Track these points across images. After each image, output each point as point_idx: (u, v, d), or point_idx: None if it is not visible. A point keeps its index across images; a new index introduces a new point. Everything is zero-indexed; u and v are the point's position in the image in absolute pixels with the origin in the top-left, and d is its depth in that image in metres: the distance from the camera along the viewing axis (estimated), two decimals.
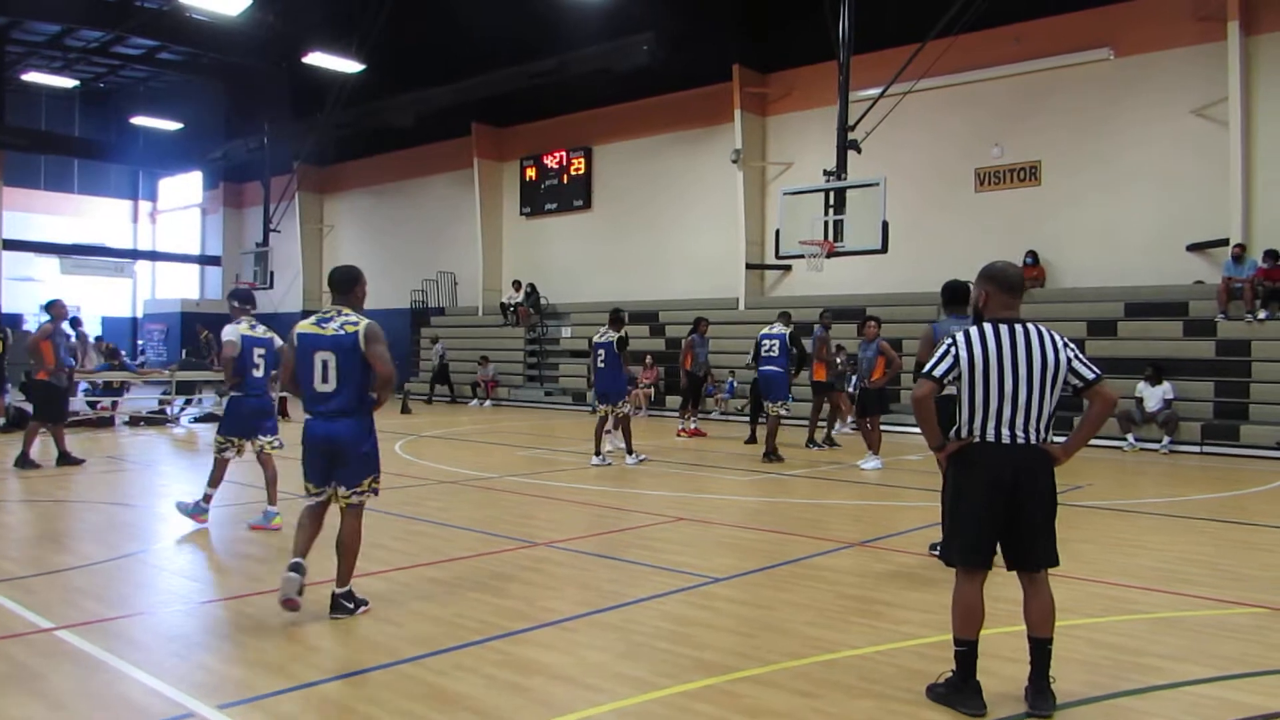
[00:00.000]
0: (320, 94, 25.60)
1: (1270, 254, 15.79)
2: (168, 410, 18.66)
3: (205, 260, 38.64)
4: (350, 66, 22.95)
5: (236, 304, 8.23)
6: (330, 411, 5.58)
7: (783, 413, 13.11)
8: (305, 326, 5.65)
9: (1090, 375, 4.19)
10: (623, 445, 13.09)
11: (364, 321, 5.64)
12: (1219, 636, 5.28)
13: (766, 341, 13.54)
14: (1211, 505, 10.20)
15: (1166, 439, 15.18)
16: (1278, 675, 4.61)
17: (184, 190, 39.95)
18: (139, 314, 39.91)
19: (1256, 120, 16.69)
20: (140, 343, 37.97)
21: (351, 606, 5.54)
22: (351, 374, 5.58)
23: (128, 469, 12.53)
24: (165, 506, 9.80)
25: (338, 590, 5.56)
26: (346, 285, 5.75)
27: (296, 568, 5.37)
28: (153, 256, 40.09)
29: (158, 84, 35.23)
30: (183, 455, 14.39)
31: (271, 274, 29.35)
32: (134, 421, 18.39)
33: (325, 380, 5.56)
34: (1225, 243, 16.62)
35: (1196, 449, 15.14)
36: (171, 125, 31.39)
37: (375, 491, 5.84)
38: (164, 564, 7.05)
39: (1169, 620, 5.59)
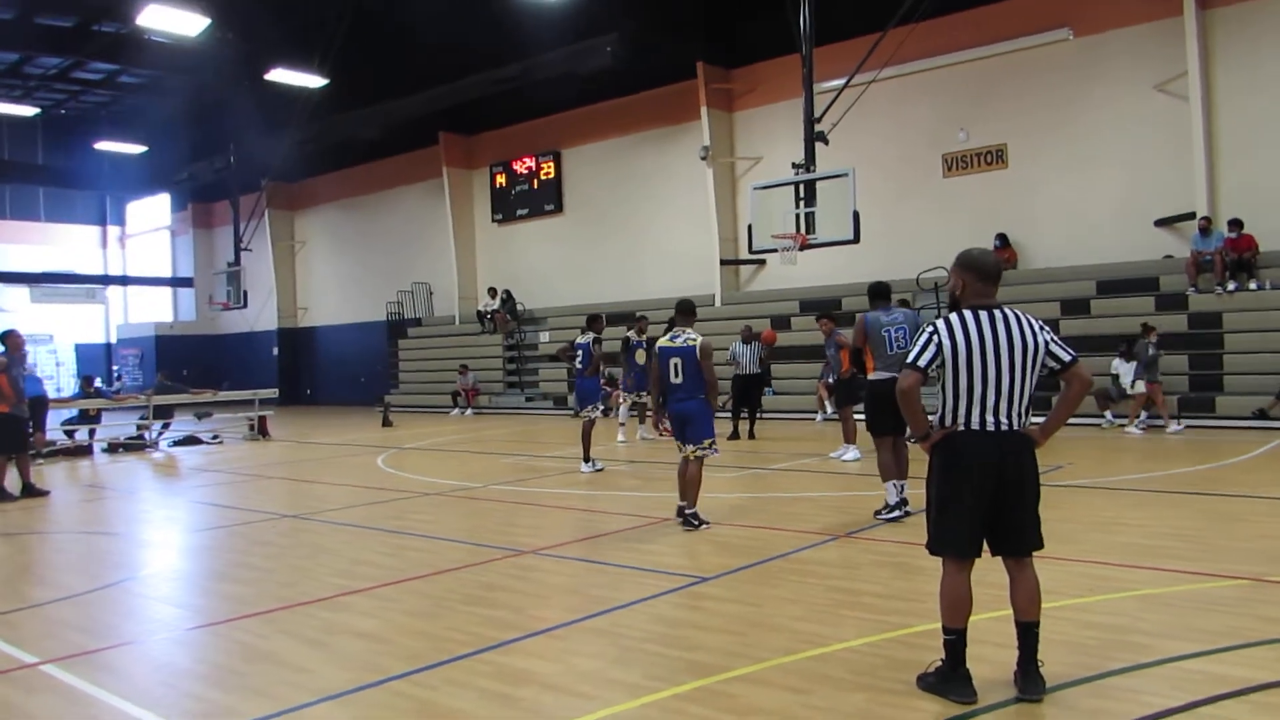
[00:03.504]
0: (285, 110, 25.45)
1: (1234, 223, 15.95)
2: (145, 435, 18.49)
3: (177, 282, 38.36)
4: (313, 81, 22.83)
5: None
6: (680, 398, 8.18)
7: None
8: (663, 342, 8.36)
9: (1067, 357, 4.23)
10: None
11: (700, 338, 8.17)
12: (1204, 610, 5.33)
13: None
14: (1190, 479, 10.28)
15: (1144, 414, 15.31)
16: (1264, 647, 4.66)
17: (152, 213, 39.66)
18: (113, 339, 39.57)
19: (1216, 93, 16.86)
20: (115, 368, 37.65)
21: (696, 523, 8.08)
22: (693, 373, 8.11)
23: (108, 497, 12.41)
24: (147, 533, 9.74)
25: (687, 510, 8.18)
26: (688, 311, 8.43)
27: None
28: (124, 281, 39.75)
29: (120, 108, 34.91)
30: (163, 480, 14.27)
31: (245, 293, 29.15)
32: (113, 448, 18.22)
33: (676, 376, 8.16)
34: (1192, 216, 16.79)
35: (1175, 424, 15.26)
36: (136, 148, 31.17)
37: (714, 450, 8.28)
38: (148, 592, 6.98)
39: (1153, 596, 5.64)
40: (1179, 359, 15.99)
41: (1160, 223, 17.51)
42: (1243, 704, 3.98)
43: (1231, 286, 15.95)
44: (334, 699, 4.42)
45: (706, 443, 8.21)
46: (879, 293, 8.81)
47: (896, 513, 8.11)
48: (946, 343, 4.20)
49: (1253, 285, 15.94)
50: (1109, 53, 17.94)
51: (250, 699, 4.48)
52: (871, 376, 8.43)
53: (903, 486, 8.21)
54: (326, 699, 4.42)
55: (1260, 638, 4.78)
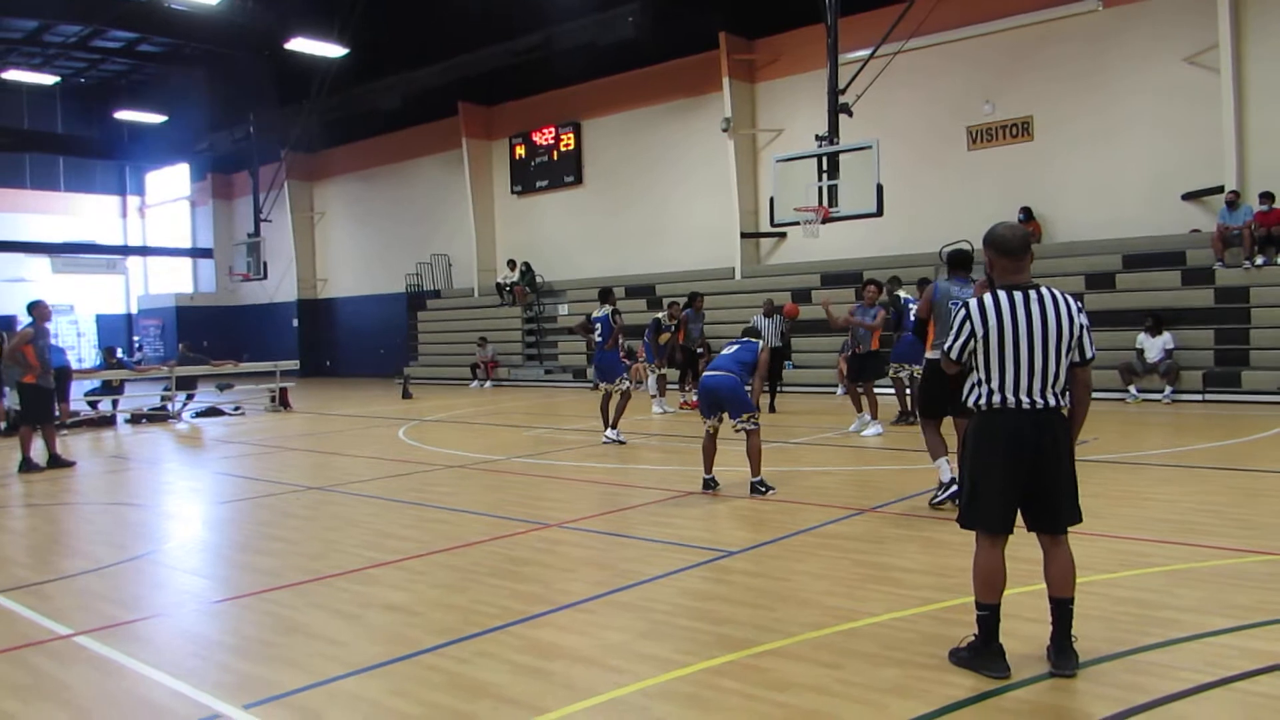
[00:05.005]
0: (304, 80, 25.43)
1: (1266, 196, 15.73)
2: (169, 407, 18.63)
3: (197, 253, 38.49)
4: (333, 51, 22.78)
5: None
6: (717, 372, 8.58)
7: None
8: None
9: (1089, 354, 4.21)
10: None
11: (766, 347, 8.83)
12: (1235, 586, 5.29)
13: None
14: (1217, 453, 10.21)
15: (1169, 389, 15.20)
16: None
17: (172, 183, 39.75)
18: (133, 310, 39.81)
19: (1247, 66, 16.57)
20: (136, 339, 37.89)
21: (764, 489, 8.31)
22: (747, 362, 8.63)
23: (132, 468, 12.52)
24: (173, 504, 9.83)
25: (753, 479, 8.40)
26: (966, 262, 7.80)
27: None
28: (143, 252, 39.96)
29: (140, 77, 34.97)
30: (187, 451, 14.38)
31: (265, 264, 29.22)
32: (135, 419, 18.38)
33: (730, 348, 8.85)
34: (1220, 190, 16.57)
35: (1199, 398, 15.16)
36: (156, 118, 31.21)
37: (757, 423, 8.43)
38: (176, 564, 7.04)
39: (1185, 572, 5.60)
40: (1204, 334, 15.84)
41: (1187, 196, 17.28)
42: (1277, 679, 3.96)
43: (1260, 261, 15.75)
44: (367, 671, 4.45)
45: (746, 416, 8.31)
46: (958, 261, 7.81)
47: (953, 489, 7.30)
48: (979, 326, 4.17)
49: None
50: (1138, 24, 17.64)
51: (283, 670, 4.51)
52: (929, 354, 7.70)
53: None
54: (359, 671, 4.45)
55: None
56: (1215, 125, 16.70)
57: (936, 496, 7.59)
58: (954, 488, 7.25)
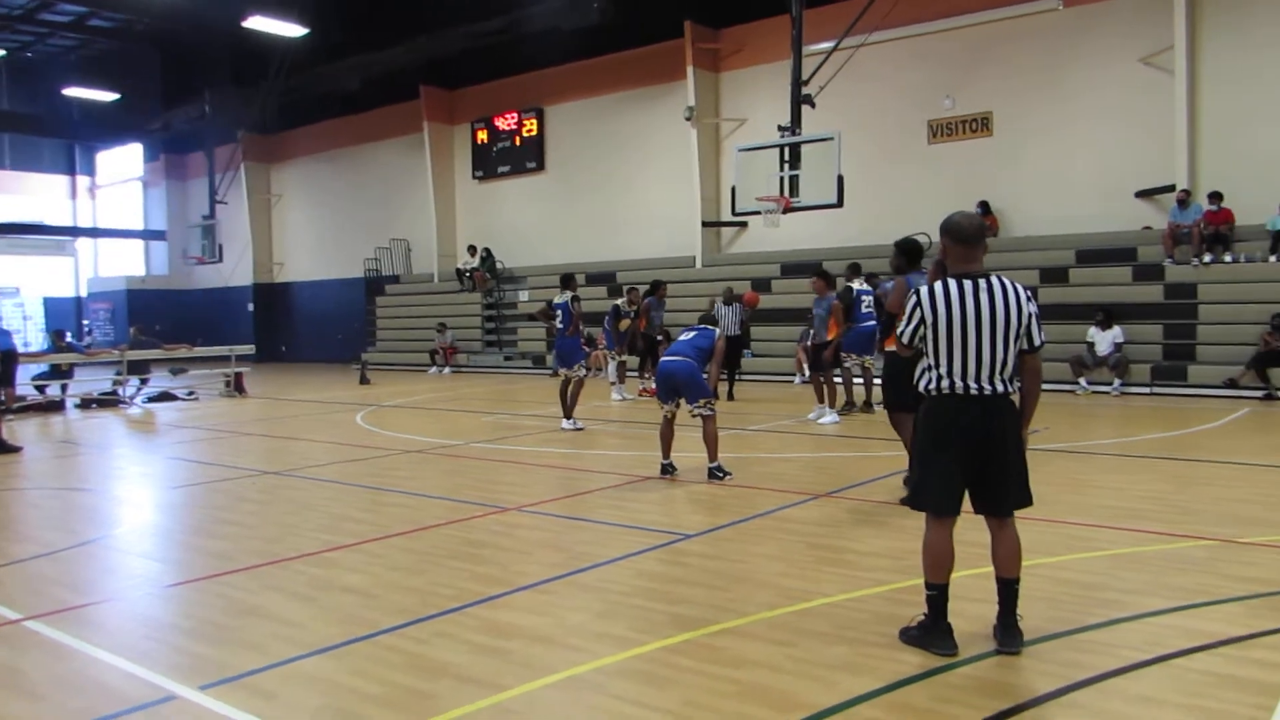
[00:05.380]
0: (262, 59, 25.06)
1: (1215, 196, 16.09)
2: (120, 392, 18.34)
3: (149, 235, 37.77)
4: (292, 30, 22.46)
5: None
6: (673, 358, 8.67)
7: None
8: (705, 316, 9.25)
9: (1037, 342, 4.29)
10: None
11: (719, 334, 8.84)
12: (1175, 569, 5.46)
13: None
14: (1162, 444, 10.47)
15: (1117, 381, 15.52)
16: (1233, 603, 4.79)
17: (123, 163, 38.95)
18: (83, 293, 39.05)
19: (1201, 68, 16.91)
20: (86, 323, 37.19)
21: (721, 475, 8.39)
22: (704, 348, 8.68)
23: (82, 453, 12.33)
24: (124, 489, 9.72)
25: (711, 464, 8.48)
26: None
27: None
28: (94, 233, 39.12)
29: (90, 53, 34.14)
30: (139, 436, 14.20)
31: (220, 247, 28.83)
32: (85, 404, 18.08)
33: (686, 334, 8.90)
34: (1171, 189, 16.91)
35: (1147, 390, 15.50)
36: (107, 96, 30.50)
37: (713, 409, 8.52)
38: (129, 548, 6.98)
39: (1127, 556, 5.76)
40: (1153, 329, 16.19)
41: (1140, 194, 17.62)
42: (1213, 656, 4.11)
43: (1208, 258, 16.12)
44: (324, 652, 4.46)
45: (702, 401, 8.38)
46: (915, 252, 7.53)
47: None
48: (929, 313, 4.25)
49: (1228, 258, 16.11)
50: (1097, 24, 17.93)
51: (240, 653, 4.51)
52: (891, 348, 7.32)
53: None
54: (317, 652, 4.46)
55: (1230, 595, 4.92)
56: (1169, 125, 17.03)
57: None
58: None
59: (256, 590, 5.54)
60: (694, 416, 8.50)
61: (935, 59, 19.68)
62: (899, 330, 4.39)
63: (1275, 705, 3.60)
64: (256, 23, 21.93)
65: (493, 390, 19.59)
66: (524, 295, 25.90)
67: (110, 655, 4.54)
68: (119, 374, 18.54)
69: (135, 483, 10.10)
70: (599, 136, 25.28)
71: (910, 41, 19.60)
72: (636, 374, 17.41)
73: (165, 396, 18.96)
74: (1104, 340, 15.75)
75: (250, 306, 34.26)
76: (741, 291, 16.95)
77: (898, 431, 7.52)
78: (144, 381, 19.06)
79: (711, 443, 8.52)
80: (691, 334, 8.82)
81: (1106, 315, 15.83)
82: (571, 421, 12.33)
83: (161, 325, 28.29)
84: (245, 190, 33.29)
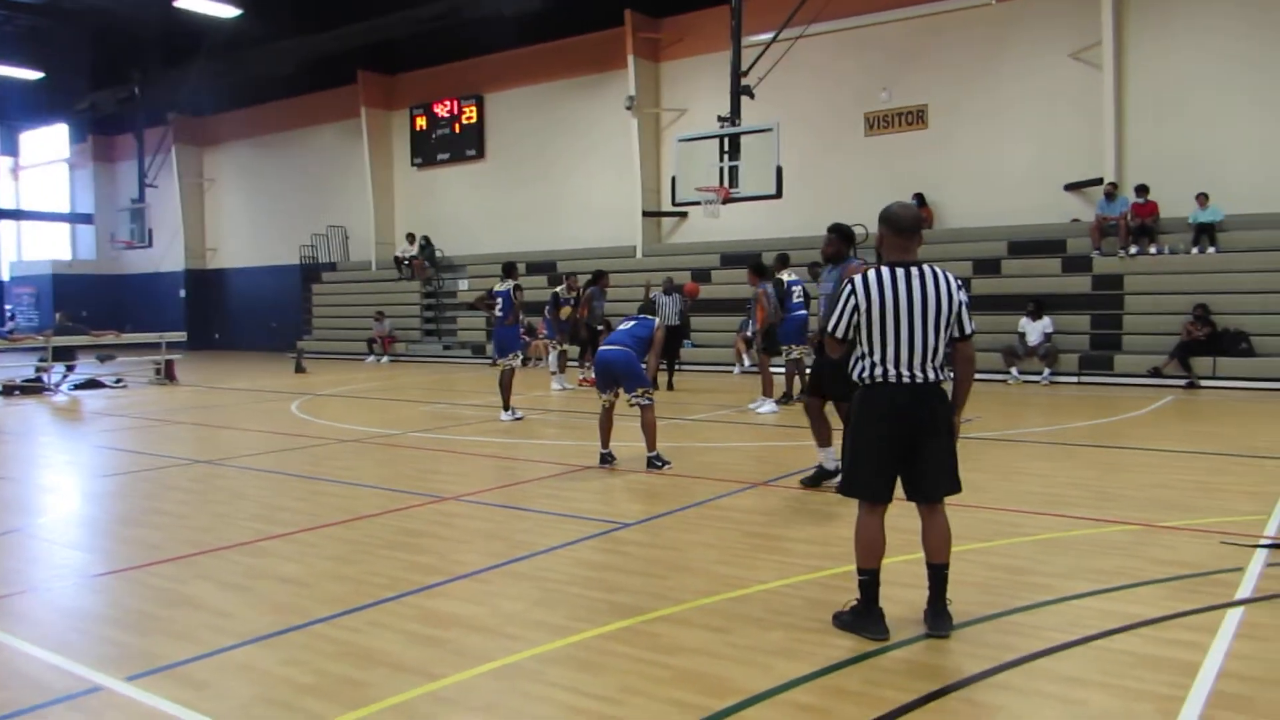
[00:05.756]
0: (195, 40, 24.44)
1: (1141, 189, 16.55)
2: (44, 378, 17.83)
3: (76, 218, 36.76)
4: (225, 11, 21.95)
5: None
6: (613, 346, 8.67)
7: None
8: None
9: (968, 330, 4.37)
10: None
11: (661, 325, 8.94)
12: (1098, 553, 5.62)
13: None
14: (1089, 432, 10.75)
15: (1047, 371, 15.90)
16: (1153, 585, 4.95)
17: (49, 144, 37.79)
18: (5, 277, 37.82)
19: (1127, 63, 17.36)
20: (8, 308, 36.07)
21: (660, 464, 8.48)
22: (643, 337, 8.73)
23: (4, 441, 11.97)
24: (49, 478, 9.46)
25: (649, 454, 8.55)
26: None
27: None
28: (17, 215, 37.92)
29: (12, 29, 32.90)
30: (65, 424, 13.83)
31: (150, 232, 28.13)
32: (8, 390, 17.54)
33: (626, 324, 8.99)
34: (1099, 182, 17.34)
35: (1075, 379, 15.90)
36: (31, 74, 29.47)
37: (650, 399, 8.54)
38: (54, 538, 6.80)
39: (1053, 540, 5.92)
40: (1081, 319, 16.61)
41: (1069, 187, 18.05)
42: (1133, 637, 4.24)
43: (1133, 250, 16.57)
44: (257, 642, 4.40)
45: (640, 391, 8.40)
46: (853, 237, 8.11)
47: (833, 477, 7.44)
48: (863, 301, 4.30)
49: (1153, 250, 16.58)
50: (1028, 19, 18.29)
51: (170, 643, 4.43)
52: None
53: None
54: (249, 642, 4.40)
55: (1149, 577, 5.08)
56: (1097, 119, 17.46)
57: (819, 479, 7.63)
58: (834, 479, 7.32)
59: (187, 580, 5.44)
60: (632, 406, 8.53)
61: (872, 52, 19.91)
62: (830, 324, 4.42)
63: (1192, 684, 3.73)
64: (188, 2, 21.39)
65: (432, 380, 19.43)
66: (464, 284, 25.70)
67: (33, 647, 4.43)
68: (43, 360, 18.02)
69: (60, 471, 9.83)
70: (540, 125, 25.15)
71: (848, 34, 19.81)
72: (577, 363, 17.39)
73: (92, 384, 18.49)
74: (1034, 330, 16.12)
75: (182, 293, 33.54)
76: (682, 282, 17.00)
77: (810, 418, 7.55)
78: (70, 368, 18.57)
79: (650, 432, 8.55)
80: (631, 323, 8.84)
81: (1037, 306, 16.19)
82: (510, 412, 12.27)
83: (89, 310, 27.51)
84: (176, 174, 32.54)
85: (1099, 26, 17.26)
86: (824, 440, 7.56)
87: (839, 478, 7.14)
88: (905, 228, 4.39)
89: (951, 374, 4.44)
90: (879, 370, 4.31)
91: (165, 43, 26.30)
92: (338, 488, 8.20)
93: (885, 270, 4.33)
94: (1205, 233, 16.10)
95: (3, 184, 39.01)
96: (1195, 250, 16.18)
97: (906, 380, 4.28)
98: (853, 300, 4.33)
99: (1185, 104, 16.89)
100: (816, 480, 7.61)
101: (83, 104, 30.92)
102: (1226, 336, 15.06)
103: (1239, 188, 16.27)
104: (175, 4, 21.50)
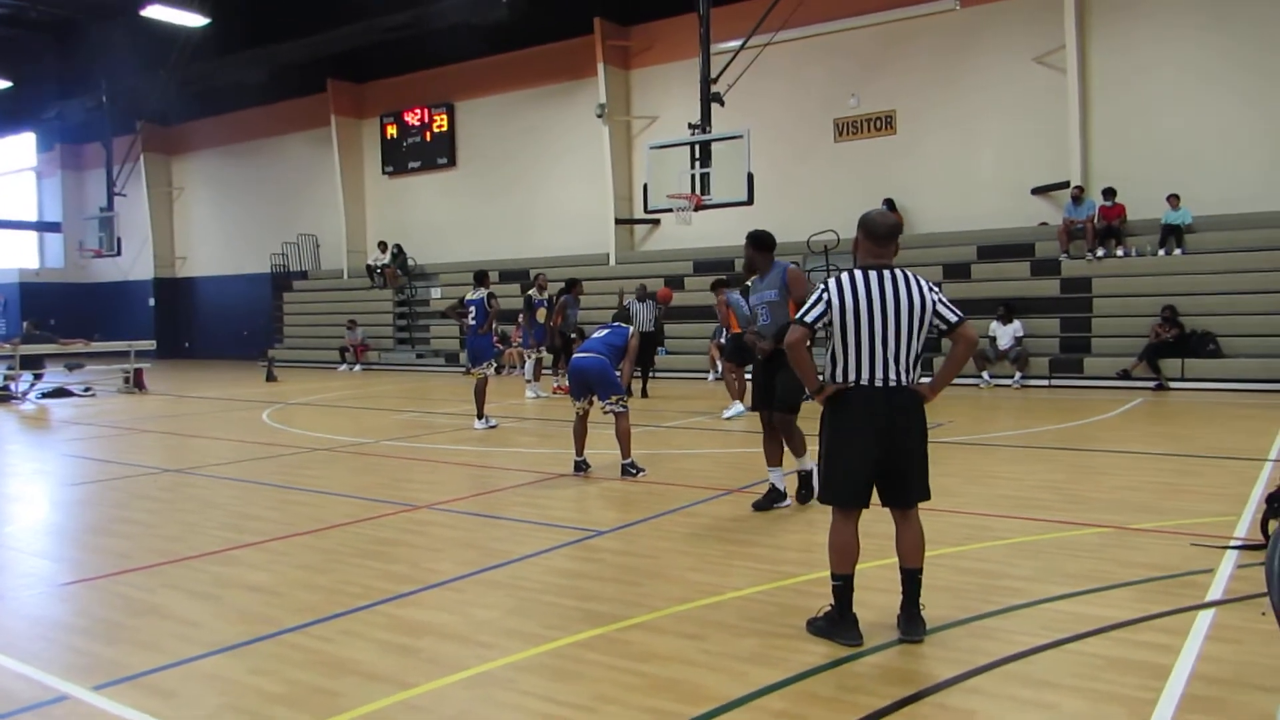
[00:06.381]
0: (163, 49, 24.22)
1: (1108, 192, 16.75)
2: (12, 387, 17.59)
3: (44, 227, 36.31)
4: (193, 20, 21.81)
5: None
6: (585, 354, 8.64)
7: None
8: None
9: (953, 318, 4.38)
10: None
11: (634, 332, 8.92)
12: (1069, 556, 5.66)
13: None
14: (1060, 435, 10.85)
15: (1018, 374, 16.04)
16: (1123, 588, 4.98)
17: (16, 153, 37.31)
18: None
19: (1091, 67, 17.58)
20: None
21: (635, 471, 8.43)
22: (617, 345, 8.73)
23: None
24: (15, 487, 9.32)
25: (623, 461, 8.50)
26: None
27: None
28: None
29: None
30: (33, 433, 13.63)
31: (119, 240, 27.83)
32: None
33: (600, 332, 8.92)
34: (1066, 185, 17.53)
35: (1045, 383, 16.05)
36: None
37: (625, 406, 8.53)
38: (20, 546, 6.70)
39: (1024, 544, 5.95)
40: (1050, 322, 16.76)
41: (1036, 191, 18.23)
42: (1104, 640, 4.26)
43: (1100, 253, 16.75)
44: (226, 651, 4.35)
45: (614, 398, 8.40)
46: (773, 244, 7.48)
47: (783, 501, 7.16)
48: (835, 300, 4.30)
49: (1120, 252, 16.77)
50: (992, 24, 18.49)
51: (137, 652, 4.37)
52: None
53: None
54: (218, 651, 4.35)
55: (1120, 580, 5.11)
56: (1062, 122, 17.66)
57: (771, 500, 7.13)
58: (784, 501, 7.07)
59: (155, 589, 5.38)
60: (606, 413, 8.52)
61: (840, 58, 20.04)
62: (801, 313, 4.39)
63: (1163, 686, 3.75)
64: (156, 11, 21.26)
65: (405, 388, 19.33)
66: (436, 292, 25.60)
67: None
68: (11, 369, 17.78)
69: (28, 480, 9.69)
70: (511, 133, 25.11)
71: (816, 40, 19.93)
72: (551, 371, 17.35)
73: (61, 392, 18.27)
74: (1005, 334, 16.25)
75: (151, 301, 33.20)
76: (655, 289, 17.02)
77: (782, 432, 7.07)
78: (38, 377, 18.34)
79: (624, 440, 8.54)
80: (605, 331, 8.82)
81: (1007, 310, 16.33)
82: (484, 420, 12.22)
83: (57, 319, 27.23)
84: (145, 182, 32.23)
85: (1062, 31, 17.46)
86: (774, 459, 7.12)
87: (787, 499, 7.02)
88: (880, 234, 4.42)
89: (924, 377, 4.44)
90: (852, 374, 4.32)
91: (133, 51, 26.06)
92: (309, 496, 8.12)
93: (859, 273, 4.35)
94: (1173, 234, 16.30)
95: None
96: (1162, 252, 16.38)
97: (879, 384, 4.29)
98: (825, 298, 4.33)
99: (1149, 106, 17.12)
100: (767, 503, 7.08)
101: (50, 113, 30.60)
102: (1194, 338, 15.24)
103: (1204, 189, 16.50)
104: (143, 13, 21.34)
